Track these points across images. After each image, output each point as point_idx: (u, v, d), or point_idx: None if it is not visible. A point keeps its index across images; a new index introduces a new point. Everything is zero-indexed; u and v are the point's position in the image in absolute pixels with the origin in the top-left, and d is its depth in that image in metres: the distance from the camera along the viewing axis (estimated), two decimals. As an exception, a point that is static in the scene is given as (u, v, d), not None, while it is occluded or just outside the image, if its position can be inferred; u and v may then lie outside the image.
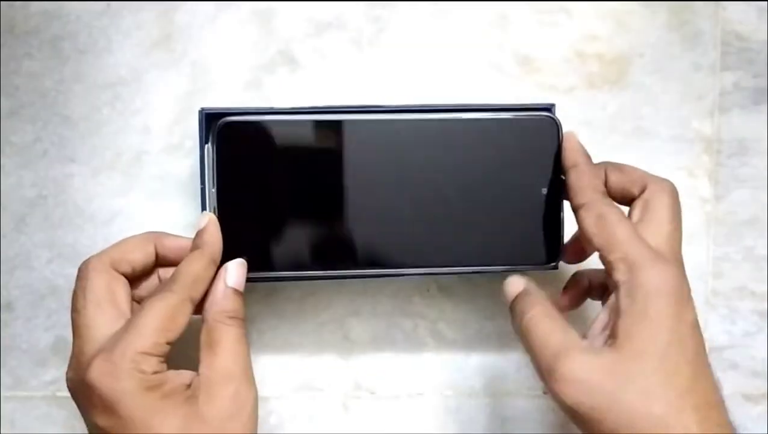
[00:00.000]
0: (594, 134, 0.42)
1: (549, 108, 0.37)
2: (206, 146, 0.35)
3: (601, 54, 0.42)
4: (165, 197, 0.40)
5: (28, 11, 0.39)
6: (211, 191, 0.35)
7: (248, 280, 0.36)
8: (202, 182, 0.35)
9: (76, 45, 0.39)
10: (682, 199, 0.42)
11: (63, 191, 0.39)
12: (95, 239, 0.39)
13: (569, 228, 0.40)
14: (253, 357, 0.40)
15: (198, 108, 0.36)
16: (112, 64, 0.39)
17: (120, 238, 0.39)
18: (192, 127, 0.39)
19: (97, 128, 0.39)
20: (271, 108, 0.37)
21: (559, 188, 0.37)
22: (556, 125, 0.37)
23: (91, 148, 0.39)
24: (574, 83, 0.42)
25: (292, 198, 0.36)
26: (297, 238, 0.36)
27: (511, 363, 0.42)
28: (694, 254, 0.42)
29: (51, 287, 0.39)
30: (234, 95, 0.40)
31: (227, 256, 0.35)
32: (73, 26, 0.39)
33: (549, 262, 0.38)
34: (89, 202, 0.39)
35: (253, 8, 0.40)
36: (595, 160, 0.41)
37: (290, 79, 0.40)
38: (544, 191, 0.37)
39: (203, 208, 0.36)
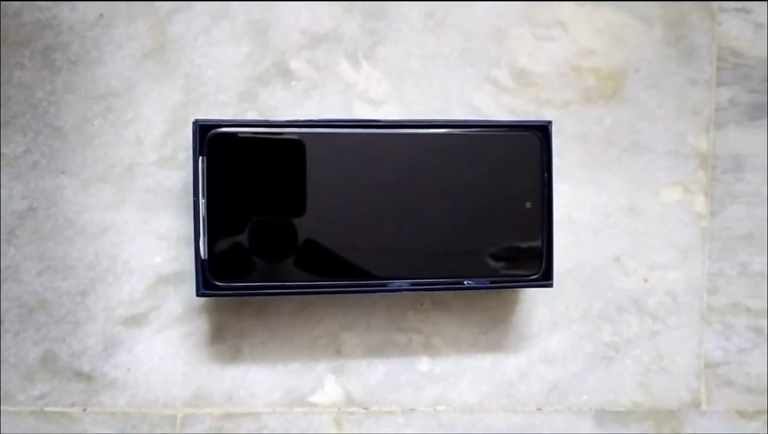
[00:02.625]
0: (590, 148, 0.42)
1: (546, 126, 0.37)
2: (200, 157, 0.35)
3: (598, 69, 0.42)
4: (157, 209, 0.39)
5: (20, 20, 0.38)
6: (202, 202, 0.35)
7: (238, 294, 0.36)
8: (195, 195, 0.35)
9: (68, 55, 0.39)
10: (677, 215, 0.42)
11: (53, 203, 0.39)
12: (86, 253, 0.39)
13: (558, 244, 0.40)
14: (245, 372, 0.40)
15: (191, 120, 0.36)
16: (104, 75, 0.39)
17: (111, 251, 0.39)
18: (185, 139, 0.39)
19: (89, 139, 0.39)
20: (264, 120, 0.37)
21: (545, 203, 0.37)
22: (539, 140, 0.37)
23: (82, 159, 0.39)
24: (570, 98, 0.42)
25: (283, 210, 0.36)
26: (287, 250, 0.36)
27: (506, 377, 0.42)
28: (690, 270, 0.42)
29: (40, 301, 0.39)
30: (228, 107, 0.39)
31: (217, 268, 0.35)
32: (65, 36, 0.38)
33: (541, 278, 0.38)
34: (80, 214, 0.39)
35: (248, 20, 0.40)
36: (591, 175, 0.42)
37: (285, 91, 0.40)
38: (529, 205, 0.37)
39: (196, 222, 0.35)
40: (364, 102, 0.40)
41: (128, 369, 0.39)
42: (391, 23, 0.40)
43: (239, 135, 0.35)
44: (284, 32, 0.40)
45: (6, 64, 0.38)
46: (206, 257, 0.35)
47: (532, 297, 0.42)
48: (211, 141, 0.35)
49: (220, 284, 0.36)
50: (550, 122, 0.38)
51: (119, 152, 0.39)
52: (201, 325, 0.40)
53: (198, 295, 0.36)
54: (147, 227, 0.39)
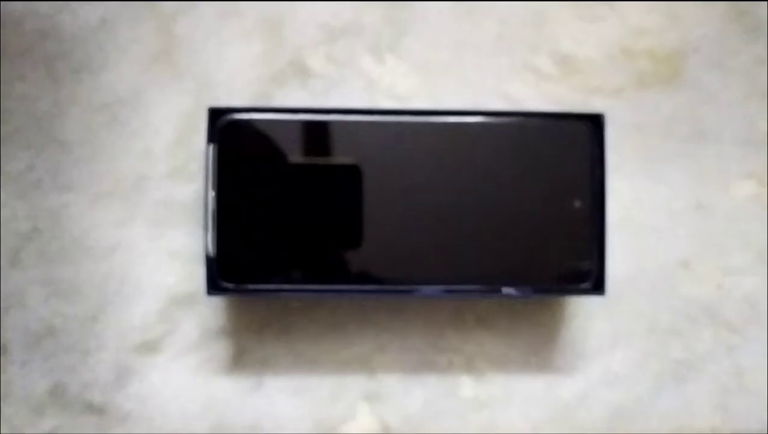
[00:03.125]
0: (647, 140, 0.38)
1: (598, 117, 0.34)
2: (210, 145, 0.33)
3: (652, 50, 0.38)
4: (169, 225, 0.37)
5: (21, 30, 0.36)
6: (211, 194, 0.33)
7: (248, 294, 0.34)
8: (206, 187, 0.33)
9: (71, 64, 0.36)
10: (751, 211, 0.37)
11: (59, 222, 0.36)
12: (94, 274, 0.36)
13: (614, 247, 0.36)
14: (269, 401, 0.37)
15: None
16: (109, 82, 0.37)
17: (121, 272, 0.36)
18: (197, 148, 0.36)
19: (95, 152, 0.36)
20: (283, 107, 0.34)
21: (597, 201, 0.34)
22: (590, 132, 0.33)
23: (88, 174, 0.36)
24: (622, 84, 0.38)
25: (299, 205, 0.33)
26: (301, 249, 0.33)
27: (562, 402, 0.37)
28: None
29: (47, 328, 0.36)
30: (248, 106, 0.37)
31: (226, 265, 0.33)
32: (67, 44, 0.36)
33: (593, 287, 0.34)
34: (87, 233, 0.36)
35: (260, 17, 0.37)
36: (650, 169, 0.37)
37: (302, 90, 0.37)
38: (578, 204, 0.34)
39: (205, 216, 0.33)
40: (389, 98, 0.37)
41: (143, 400, 0.36)
42: (417, 11, 0.37)
43: (252, 122, 0.33)
44: (300, 27, 0.37)
45: (7, 77, 0.36)
46: (214, 254, 0.33)
47: (588, 310, 0.37)
48: (221, 128, 0.33)
49: (228, 285, 0.33)
50: (602, 114, 0.34)
51: (127, 164, 0.37)
52: (219, 350, 0.37)
53: (208, 294, 0.33)
54: (159, 244, 0.36)
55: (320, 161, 0.33)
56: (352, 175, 0.33)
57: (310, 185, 0.33)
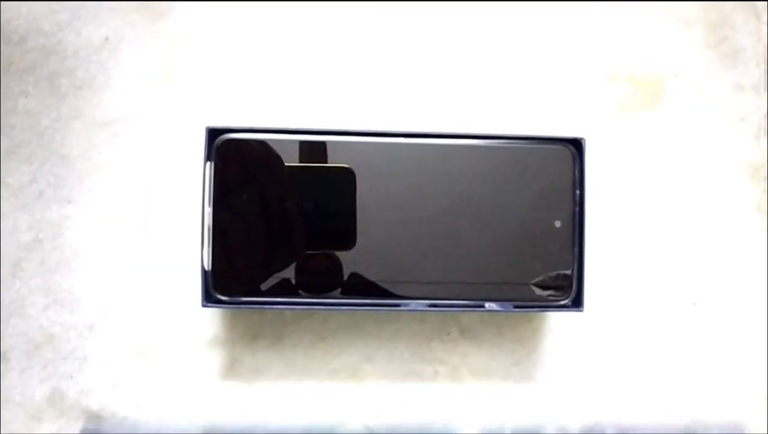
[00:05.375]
0: (627, 162, 0.39)
1: (579, 140, 0.35)
2: (207, 163, 0.33)
3: (633, 75, 0.39)
4: (169, 239, 0.37)
5: (25, 47, 0.37)
6: (207, 210, 0.33)
7: (242, 306, 0.34)
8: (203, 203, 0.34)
9: (74, 81, 0.37)
10: (729, 231, 0.38)
11: (59, 234, 0.37)
12: (93, 285, 0.37)
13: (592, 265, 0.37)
14: (260, 408, 0.38)
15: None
16: (110, 99, 0.37)
17: (119, 283, 0.37)
18: (198, 165, 0.37)
19: (95, 167, 0.37)
20: (279, 127, 0.35)
21: (577, 222, 0.35)
22: (572, 155, 0.34)
23: (89, 188, 0.37)
24: (604, 107, 0.39)
25: (294, 221, 0.34)
26: (293, 263, 0.34)
27: (542, 411, 0.38)
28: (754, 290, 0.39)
29: (47, 336, 0.37)
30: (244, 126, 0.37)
31: (222, 279, 0.34)
32: (70, 62, 0.37)
33: (572, 304, 0.35)
34: (87, 245, 0.37)
35: (261, 38, 0.38)
36: (630, 191, 0.38)
37: (307, 107, 0.38)
38: (558, 224, 0.34)
39: (201, 231, 0.34)
40: (391, 110, 0.38)
41: (138, 407, 0.37)
42: (405, 23, 0.38)
43: (247, 141, 0.34)
44: (304, 43, 0.38)
45: (11, 93, 0.37)
46: (209, 268, 0.33)
47: (567, 324, 0.39)
48: (217, 146, 0.33)
49: (223, 297, 0.34)
50: (583, 138, 0.35)
51: (127, 179, 0.37)
52: (214, 359, 0.37)
53: (203, 306, 0.34)
54: (158, 257, 0.37)
55: (315, 179, 0.34)
56: (347, 194, 0.34)
57: (304, 201, 0.34)
